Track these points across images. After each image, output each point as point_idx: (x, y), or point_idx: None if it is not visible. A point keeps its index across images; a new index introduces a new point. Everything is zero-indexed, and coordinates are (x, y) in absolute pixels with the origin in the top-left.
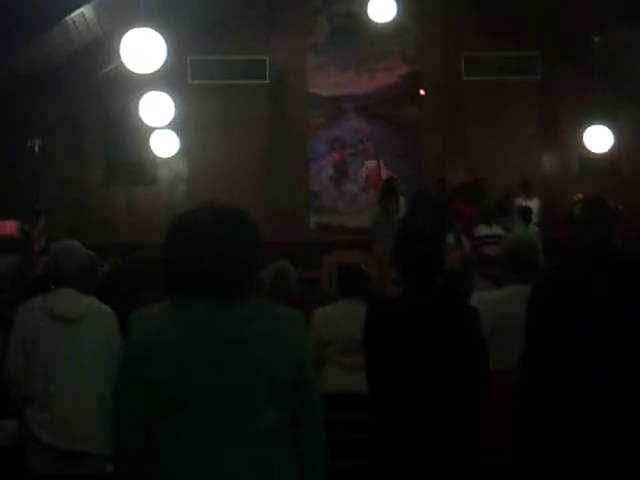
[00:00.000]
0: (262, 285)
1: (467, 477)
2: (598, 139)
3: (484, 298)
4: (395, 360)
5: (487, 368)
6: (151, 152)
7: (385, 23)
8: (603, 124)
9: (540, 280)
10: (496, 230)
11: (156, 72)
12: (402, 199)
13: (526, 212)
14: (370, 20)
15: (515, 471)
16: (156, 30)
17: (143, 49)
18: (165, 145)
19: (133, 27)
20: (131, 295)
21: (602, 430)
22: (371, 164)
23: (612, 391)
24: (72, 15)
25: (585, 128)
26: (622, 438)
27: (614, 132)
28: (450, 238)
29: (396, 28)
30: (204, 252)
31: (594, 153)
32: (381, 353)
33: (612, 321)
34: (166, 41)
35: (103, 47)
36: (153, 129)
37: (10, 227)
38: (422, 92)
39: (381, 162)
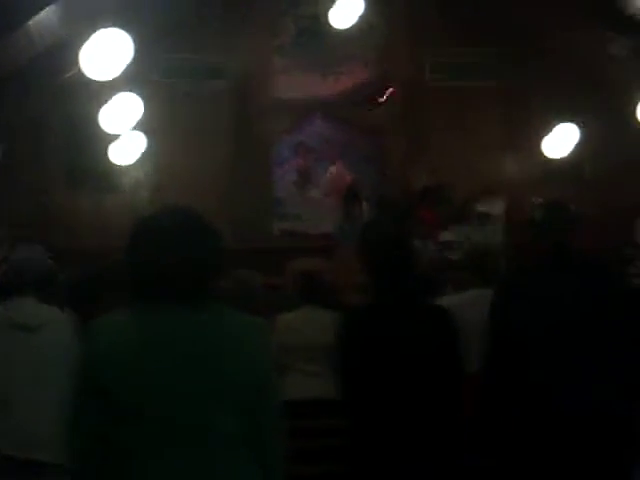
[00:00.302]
0: (226, 292)
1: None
2: (560, 142)
3: (446, 302)
4: (372, 366)
5: (463, 366)
6: (115, 157)
7: (350, 26)
8: (565, 127)
9: (502, 284)
10: (459, 235)
11: (119, 75)
12: (365, 204)
13: (485, 217)
14: (336, 23)
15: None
16: (119, 30)
17: (107, 52)
18: (127, 151)
19: (97, 29)
20: (94, 301)
21: (561, 433)
22: (335, 169)
23: (571, 394)
24: (36, 17)
25: (547, 131)
26: (580, 441)
27: (577, 135)
28: (416, 243)
29: (361, 31)
30: (166, 255)
31: (556, 156)
32: (357, 360)
33: (573, 324)
34: (131, 42)
35: (67, 49)
36: (115, 135)
37: None
38: (386, 96)
39: (345, 167)
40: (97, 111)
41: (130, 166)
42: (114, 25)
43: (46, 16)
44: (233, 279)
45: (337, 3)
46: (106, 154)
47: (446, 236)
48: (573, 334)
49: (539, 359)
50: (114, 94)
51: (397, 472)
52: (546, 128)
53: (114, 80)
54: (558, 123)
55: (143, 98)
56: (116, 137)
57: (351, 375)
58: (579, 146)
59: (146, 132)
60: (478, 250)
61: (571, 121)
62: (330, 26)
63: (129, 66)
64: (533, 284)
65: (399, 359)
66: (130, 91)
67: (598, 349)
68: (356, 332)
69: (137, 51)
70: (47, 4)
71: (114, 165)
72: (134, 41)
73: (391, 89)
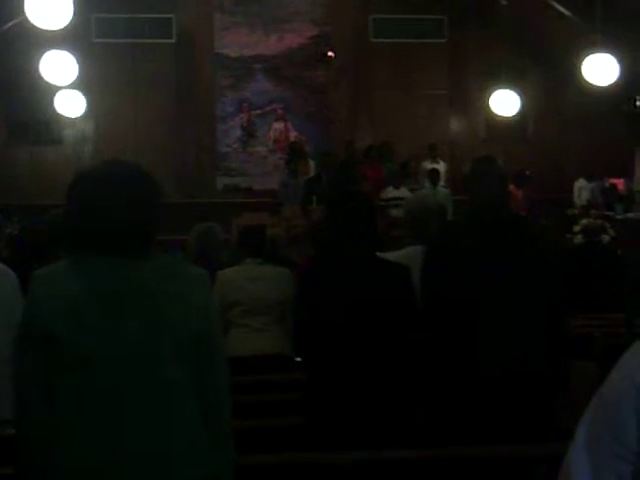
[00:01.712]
0: (187, 245)
1: (401, 430)
2: (504, 102)
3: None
4: (329, 319)
5: (414, 325)
6: (56, 112)
7: None
8: (509, 87)
9: (434, 240)
10: (403, 192)
11: (60, 30)
12: (310, 161)
13: (434, 174)
14: None
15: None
16: None
17: (48, 4)
18: (70, 105)
19: None
20: (38, 254)
21: (484, 390)
22: (279, 126)
23: (497, 353)
24: None
25: (492, 91)
26: (502, 398)
27: (520, 95)
28: None
29: None
30: (105, 206)
31: (500, 116)
32: (316, 313)
33: (501, 280)
34: None
35: (4, 3)
36: (58, 88)
37: None
38: (330, 54)
39: (289, 124)
40: (37, 65)
41: (72, 120)
42: None
43: None
44: (195, 231)
45: None
46: (48, 107)
47: (390, 193)
48: (501, 290)
49: (467, 316)
50: (54, 49)
51: (352, 424)
52: (490, 88)
53: (55, 34)
54: (501, 84)
55: (84, 54)
56: (57, 91)
57: (310, 327)
58: (522, 107)
59: (88, 88)
60: (417, 205)
61: (514, 82)
62: None
63: (70, 20)
64: (463, 241)
65: (356, 312)
66: (71, 46)
67: (519, 306)
68: (315, 285)
69: (79, 6)
70: None
71: (55, 118)
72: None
73: (331, 52)
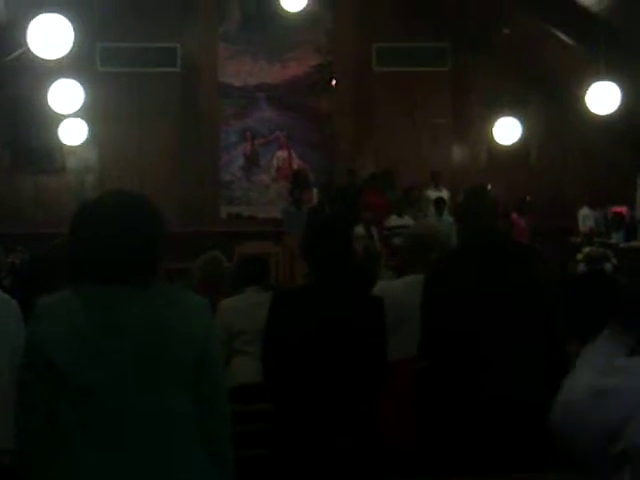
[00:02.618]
0: (192, 274)
1: (365, 461)
2: (507, 130)
3: (388, 287)
4: (295, 349)
5: (385, 359)
6: (59, 140)
7: (297, 12)
8: (512, 115)
9: (431, 269)
10: (407, 221)
11: (65, 59)
12: (313, 190)
13: (440, 203)
14: (282, 9)
15: (419, 456)
16: (65, 16)
17: (51, 35)
18: (74, 133)
19: (41, 12)
20: (42, 284)
21: (481, 419)
22: (282, 154)
23: (499, 380)
24: None
25: (494, 119)
26: (507, 427)
27: (522, 123)
28: (359, 229)
29: (308, 17)
30: (109, 236)
31: (503, 144)
32: (283, 341)
33: (498, 306)
34: (75, 27)
35: (10, 33)
36: (62, 117)
37: None
38: (333, 82)
39: (292, 152)
40: (42, 94)
41: (76, 149)
42: (60, 9)
43: None
44: (200, 261)
45: None
46: (52, 135)
47: (393, 221)
48: (491, 316)
49: (462, 347)
50: (59, 77)
51: (315, 456)
52: (492, 117)
53: (60, 63)
54: (504, 112)
55: (89, 82)
56: (62, 119)
57: (275, 357)
58: (525, 135)
59: (92, 116)
60: (421, 233)
61: (517, 110)
62: (277, 12)
63: (75, 49)
64: (459, 268)
65: (322, 343)
66: (76, 75)
67: (515, 332)
68: (283, 314)
69: (84, 35)
70: None
71: (59, 147)
72: (81, 25)
73: (334, 80)
